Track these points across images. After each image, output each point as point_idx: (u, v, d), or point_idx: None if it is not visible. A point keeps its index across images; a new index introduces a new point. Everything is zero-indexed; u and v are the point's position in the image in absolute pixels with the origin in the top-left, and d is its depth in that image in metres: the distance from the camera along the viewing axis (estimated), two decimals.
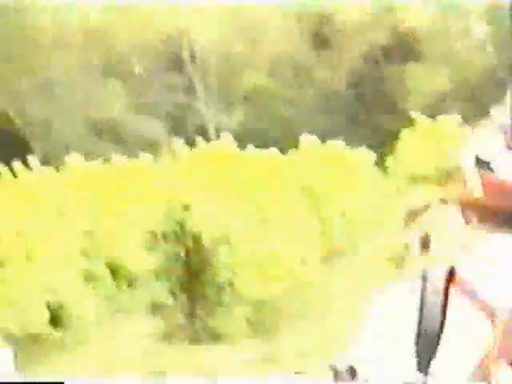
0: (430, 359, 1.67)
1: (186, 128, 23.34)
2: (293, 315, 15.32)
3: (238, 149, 20.65)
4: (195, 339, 14.34)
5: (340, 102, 27.47)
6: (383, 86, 27.83)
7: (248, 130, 24.25)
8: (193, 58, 25.78)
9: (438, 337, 1.68)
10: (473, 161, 1.77)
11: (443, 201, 1.86)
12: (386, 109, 27.46)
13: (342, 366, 1.85)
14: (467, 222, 1.79)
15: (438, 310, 1.70)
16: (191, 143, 19.69)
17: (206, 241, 15.84)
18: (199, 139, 19.96)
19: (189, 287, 15.25)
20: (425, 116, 24.17)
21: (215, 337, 14.57)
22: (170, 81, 25.13)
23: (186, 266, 15.34)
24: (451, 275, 1.74)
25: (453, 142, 21.67)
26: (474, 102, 21.51)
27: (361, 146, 23.89)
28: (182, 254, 15.35)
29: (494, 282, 1.68)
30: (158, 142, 21.56)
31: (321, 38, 27.56)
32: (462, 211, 1.79)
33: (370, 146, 24.14)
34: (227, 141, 20.41)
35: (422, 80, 27.20)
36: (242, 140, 20.45)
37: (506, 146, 1.74)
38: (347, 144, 23.06)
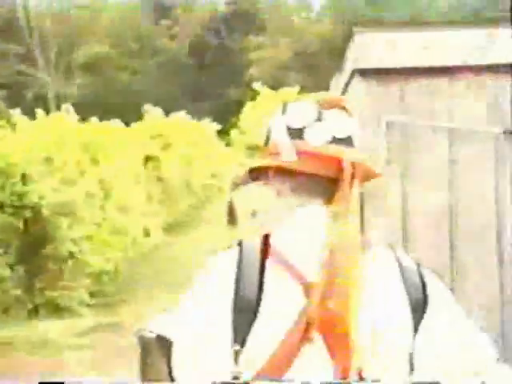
0: (248, 329, 1.67)
1: (26, 98, 22.69)
2: (134, 284, 15.28)
3: (80, 120, 20.25)
4: (34, 312, 14.05)
5: (184, 72, 27.41)
6: (227, 58, 27.99)
7: (90, 100, 23.83)
8: (30, 26, 25.02)
9: (256, 306, 1.68)
10: (285, 130, 1.79)
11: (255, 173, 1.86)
12: (231, 80, 27.61)
13: (151, 335, 1.81)
14: (278, 193, 1.82)
15: (254, 280, 1.70)
16: (31, 113, 19.14)
17: (47, 213, 15.49)
18: (39, 110, 19.43)
19: (28, 260, 14.90)
20: (267, 88, 24.47)
21: (56, 309, 14.32)
22: (8, 49, 24.30)
23: (24, 238, 14.97)
24: (265, 245, 1.76)
25: None
26: (314, 73, 21.99)
27: (205, 118, 23.95)
28: (21, 225, 14.95)
29: (305, 251, 1.71)
30: None
31: (162, 8, 27.33)
32: (276, 181, 1.81)
33: (214, 118, 24.26)
34: (68, 112, 19.96)
35: (264, 51, 27.57)
36: (84, 111, 20.06)
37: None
38: (191, 116, 23.07)
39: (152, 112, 22.05)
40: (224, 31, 28.57)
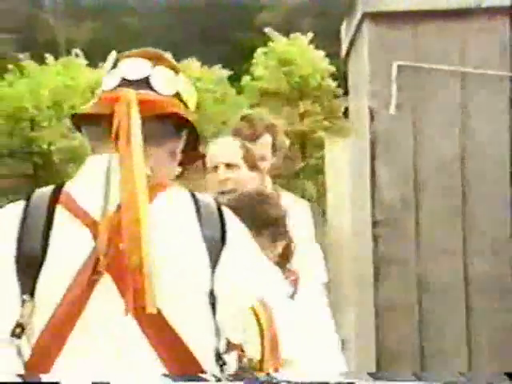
0: (36, 276, 1.68)
1: (35, 42, 22.56)
2: None
3: (90, 65, 20.12)
4: None
5: (194, 16, 27.14)
6: (238, 1, 27.70)
7: (99, 45, 23.67)
8: None
9: (42, 253, 1.70)
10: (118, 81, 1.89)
11: None
12: (242, 25, 27.36)
13: None
14: (90, 139, 1.91)
15: (40, 227, 1.73)
16: (40, 58, 19.04)
17: (56, 159, 15.51)
18: (48, 55, 19.33)
19: None
20: (278, 33, 24.29)
21: None
22: None
23: (34, 183, 15.02)
24: (55, 193, 1.79)
25: (305, 59, 21.92)
26: (325, 18, 21.77)
27: (216, 64, 23.79)
28: (30, 171, 15.01)
29: (96, 195, 1.72)
30: (5, 56, 20.74)
31: None
32: (87, 129, 1.90)
33: (225, 64, 24.09)
34: (78, 57, 19.85)
35: None
36: (93, 56, 19.94)
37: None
38: (202, 62, 22.90)
39: None
40: None
